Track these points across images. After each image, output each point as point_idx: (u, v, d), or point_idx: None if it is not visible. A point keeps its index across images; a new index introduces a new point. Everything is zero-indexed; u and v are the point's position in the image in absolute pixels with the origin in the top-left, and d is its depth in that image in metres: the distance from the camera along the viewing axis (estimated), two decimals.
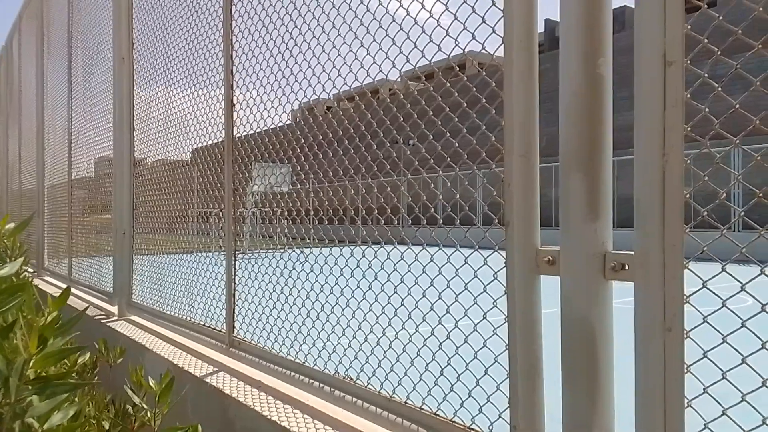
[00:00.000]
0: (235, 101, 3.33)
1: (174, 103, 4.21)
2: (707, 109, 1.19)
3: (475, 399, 1.83)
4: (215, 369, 3.13)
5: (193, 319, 3.80)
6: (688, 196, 1.29)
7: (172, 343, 3.78)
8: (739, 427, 1.28)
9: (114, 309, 5.02)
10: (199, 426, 1.81)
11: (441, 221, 2.34)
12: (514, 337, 1.68)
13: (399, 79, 2.53)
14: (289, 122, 3.39)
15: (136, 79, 4.84)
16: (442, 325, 1.99)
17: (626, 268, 1.42)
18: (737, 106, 1.23)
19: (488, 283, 1.78)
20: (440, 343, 1.95)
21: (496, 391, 1.75)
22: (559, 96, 1.49)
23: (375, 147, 2.68)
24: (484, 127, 2.00)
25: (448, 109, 2.05)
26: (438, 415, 1.94)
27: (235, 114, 3.36)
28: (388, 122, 2.48)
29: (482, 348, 1.80)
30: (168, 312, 4.18)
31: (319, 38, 2.61)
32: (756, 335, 1.24)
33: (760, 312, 1.24)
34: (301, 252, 3.09)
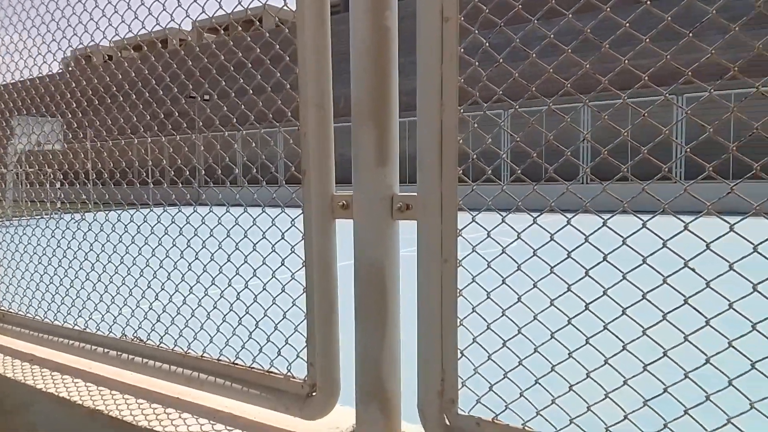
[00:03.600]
0: None
1: None
2: (477, 62, 1.36)
3: (273, 343, 1.89)
4: None
5: None
6: (460, 141, 1.46)
7: None
8: (500, 338, 1.51)
9: None
10: None
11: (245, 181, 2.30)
12: (311, 279, 1.75)
13: (191, 29, 2.41)
14: (60, 71, 3.05)
15: None
16: (240, 275, 1.99)
17: (411, 208, 1.57)
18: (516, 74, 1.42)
19: (286, 230, 1.83)
20: (238, 293, 1.96)
21: (294, 332, 1.82)
22: (350, 48, 1.57)
23: (169, 102, 2.53)
24: (288, 85, 2.01)
25: (249, 64, 2.02)
26: (236, 364, 1.96)
27: None
28: (183, 75, 2.36)
29: (281, 294, 1.85)
30: None
31: None
32: (514, 260, 1.47)
33: (516, 240, 1.47)
34: (82, 217, 2.83)
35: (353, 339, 1.65)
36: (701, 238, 1.22)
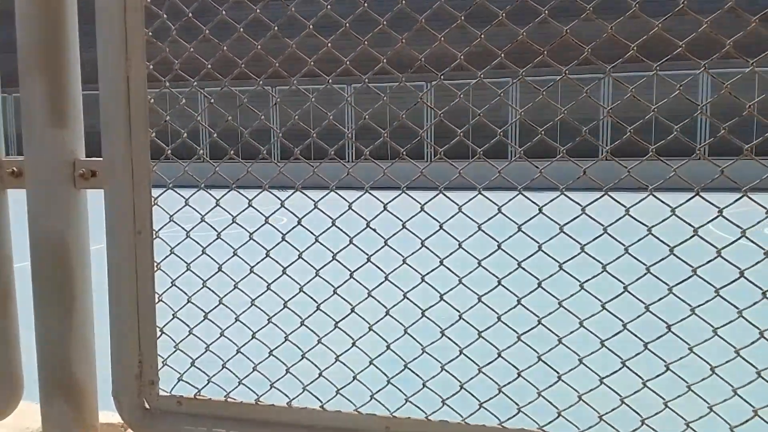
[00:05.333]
0: None
1: None
2: (165, 15, 1.25)
3: None
4: None
5: None
6: (151, 100, 1.34)
7: None
8: (201, 310, 1.44)
9: None
10: None
11: None
12: None
13: None
14: None
15: None
16: None
17: (97, 175, 1.39)
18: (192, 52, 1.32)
19: None
20: None
21: None
22: None
23: None
24: None
25: None
26: None
27: None
28: None
29: None
30: None
31: None
32: (214, 228, 1.40)
33: (214, 207, 1.40)
34: None
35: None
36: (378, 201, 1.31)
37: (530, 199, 1.21)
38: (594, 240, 1.20)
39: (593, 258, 1.23)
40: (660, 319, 1.20)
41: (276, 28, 1.23)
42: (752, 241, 1.07)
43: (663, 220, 1.12)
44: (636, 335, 1.25)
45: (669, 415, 1.32)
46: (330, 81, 1.21)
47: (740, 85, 17.84)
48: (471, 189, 17.10)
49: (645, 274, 1.19)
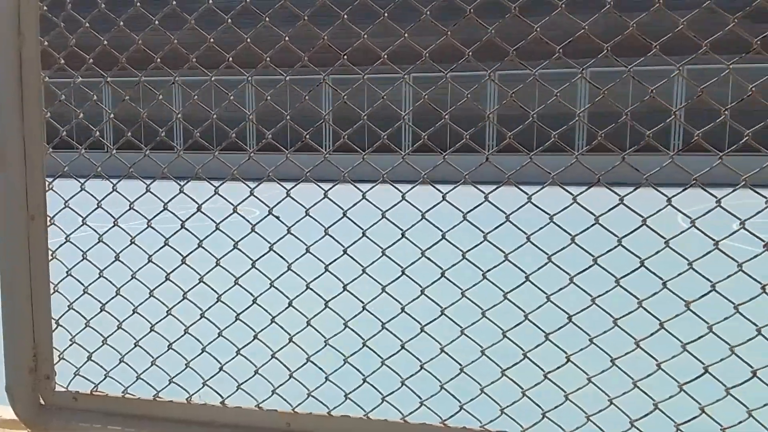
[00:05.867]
0: None
1: None
2: None
3: None
4: None
5: None
6: (45, 78, 1.27)
7: None
8: (99, 301, 1.38)
9: None
10: None
11: None
12: None
13: None
14: None
15: None
16: None
17: None
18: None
19: None
20: None
21: None
22: None
23: None
24: None
25: None
26: None
27: None
28: None
29: None
30: None
31: None
32: (111, 215, 1.34)
33: (111, 193, 1.34)
34: None
35: None
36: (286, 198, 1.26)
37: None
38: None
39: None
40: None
41: (174, 1, 1.17)
42: (751, 232, 1.06)
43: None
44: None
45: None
46: (228, 63, 1.17)
47: (716, 81, 18.11)
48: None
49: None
